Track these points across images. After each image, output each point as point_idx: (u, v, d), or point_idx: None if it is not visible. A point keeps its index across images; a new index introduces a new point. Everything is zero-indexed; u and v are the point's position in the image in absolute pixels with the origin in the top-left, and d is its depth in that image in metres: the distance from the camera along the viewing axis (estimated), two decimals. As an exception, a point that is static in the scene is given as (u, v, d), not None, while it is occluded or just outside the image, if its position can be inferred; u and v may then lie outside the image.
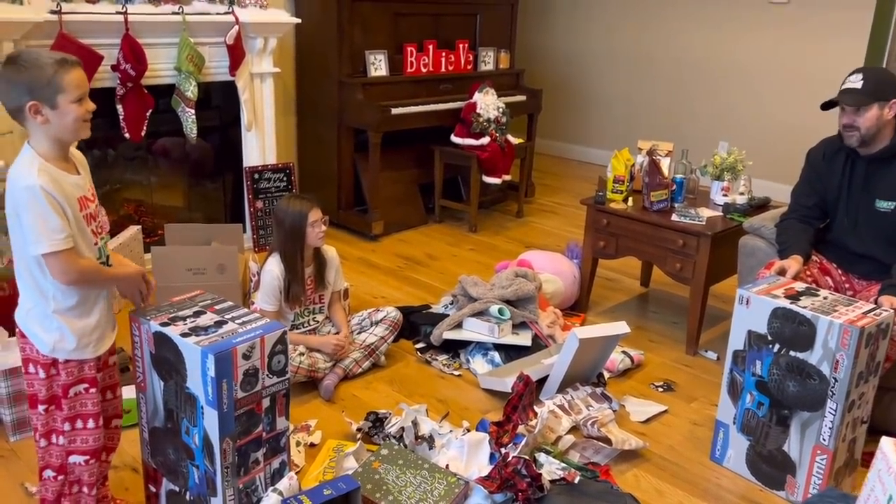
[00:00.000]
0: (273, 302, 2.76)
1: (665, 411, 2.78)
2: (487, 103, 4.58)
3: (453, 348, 3.09)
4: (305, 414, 2.63)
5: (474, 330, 3.04)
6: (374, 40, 4.48)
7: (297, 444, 2.43)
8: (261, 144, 4.18)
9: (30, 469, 2.27)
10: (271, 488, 2.00)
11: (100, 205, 1.89)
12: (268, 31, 3.99)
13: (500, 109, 4.63)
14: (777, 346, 2.22)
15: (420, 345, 3.15)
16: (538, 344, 3.04)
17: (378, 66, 4.50)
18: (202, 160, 4.21)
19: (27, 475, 2.24)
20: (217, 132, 4.16)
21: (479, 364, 2.98)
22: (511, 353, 2.98)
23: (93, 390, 1.88)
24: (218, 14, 3.76)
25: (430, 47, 4.73)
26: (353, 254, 4.27)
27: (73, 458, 1.89)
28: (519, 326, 3.10)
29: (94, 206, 1.84)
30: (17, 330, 1.84)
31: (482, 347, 3.03)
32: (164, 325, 1.90)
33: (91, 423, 1.90)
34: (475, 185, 4.64)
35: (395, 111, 4.39)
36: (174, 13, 3.58)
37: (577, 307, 3.58)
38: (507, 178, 4.77)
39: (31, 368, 1.84)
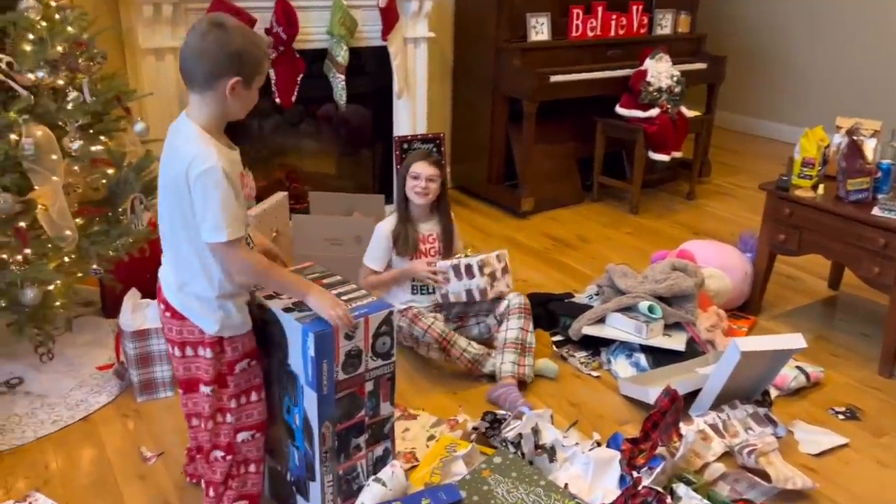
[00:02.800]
0: (376, 258, 2.69)
1: (845, 445, 2.31)
2: (660, 71, 4.12)
3: (594, 345, 2.78)
4: (421, 400, 2.46)
5: (619, 327, 2.71)
6: (536, 2, 4.15)
7: (431, 437, 2.25)
8: (411, 113, 4.03)
9: (150, 433, 2.28)
10: (373, 477, 1.88)
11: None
12: (424, -8, 3.81)
13: (675, 78, 4.15)
14: None
15: (557, 337, 2.87)
16: (694, 349, 2.66)
17: (539, 29, 4.17)
18: (355, 128, 4.14)
19: (146, 439, 2.26)
20: (368, 99, 4.07)
21: (621, 366, 2.65)
22: (660, 357, 2.62)
23: (255, 362, 1.82)
24: (373, -25, 3.63)
25: (600, 9, 4.32)
26: (498, 231, 4.03)
27: (241, 436, 1.82)
28: (672, 327, 2.72)
29: (248, 185, 1.77)
30: (164, 308, 1.74)
31: (627, 348, 2.70)
32: (268, 297, 1.81)
33: (254, 396, 1.84)
34: (640, 161, 4.22)
35: (553, 79, 4.06)
36: (329, -25, 3.50)
37: (746, 308, 3.11)
38: (678, 154, 4.29)
39: (192, 351, 1.74)
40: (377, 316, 1.78)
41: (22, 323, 2.20)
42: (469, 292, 2.58)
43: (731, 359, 2.24)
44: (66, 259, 2.39)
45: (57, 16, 2.35)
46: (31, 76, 2.13)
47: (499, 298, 2.62)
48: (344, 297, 1.81)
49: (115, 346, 2.51)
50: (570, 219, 4.25)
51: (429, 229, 2.70)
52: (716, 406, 2.35)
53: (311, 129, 4.09)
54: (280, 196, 3.50)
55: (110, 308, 2.85)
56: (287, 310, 1.75)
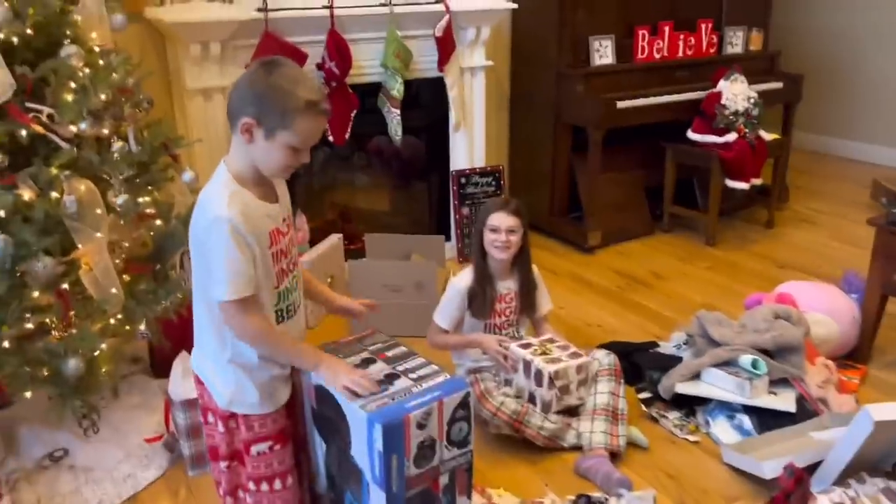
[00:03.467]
0: (447, 317, 2.42)
1: None
2: (735, 93, 3.83)
3: (688, 404, 2.49)
4: (499, 476, 2.19)
5: (718, 385, 2.41)
6: (599, 24, 3.91)
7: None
8: (469, 145, 3.81)
9: (203, 512, 2.08)
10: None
11: (295, 225, 1.61)
12: (481, 19, 3.60)
13: (752, 100, 3.86)
14: None
15: (644, 394, 2.58)
16: (804, 409, 2.34)
17: (603, 53, 3.93)
18: (408, 163, 3.93)
19: (199, 519, 2.05)
20: (423, 133, 3.86)
21: (722, 429, 2.35)
22: (767, 418, 2.32)
23: (278, 447, 1.60)
24: (428, 3, 3.43)
25: (666, 29, 4.06)
26: (563, 267, 3.76)
27: None
28: (778, 383, 2.41)
29: (287, 241, 1.55)
30: (193, 374, 1.62)
31: (727, 408, 2.40)
32: None
33: (278, 484, 1.62)
34: (715, 189, 3.92)
35: (620, 105, 3.79)
36: (382, 5, 3.31)
37: (854, 356, 2.78)
38: (758, 182, 3.97)
39: (210, 418, 1.61)
40: (453, 399, 1.54)
41: (65, 396, 2.02)
42: (532, 396, 2.28)
43: (863, 429, 1.93)
44: (112, 321, 2.22)
45: (101, 62, 2.19)
46: (73, 128, 1.97)
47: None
48: (413, 375, 1.60)
49: (164, 414, 2.31)
50: (640, 252, 3.96)
51: (507, 287, 2.43)
52: (841, 480, 2.04)
53: (362, 162, 3.91)
54: (334, 239, 3.30)
55: (159, 367, 2.67)
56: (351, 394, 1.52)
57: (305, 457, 1.74)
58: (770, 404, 2.33)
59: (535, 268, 2.48)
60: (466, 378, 2.37)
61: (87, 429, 2.24)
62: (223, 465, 1.62)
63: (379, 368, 1.61)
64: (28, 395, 2.02)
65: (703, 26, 4.19)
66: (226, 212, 1.41)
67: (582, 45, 3.88)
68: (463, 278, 2.40)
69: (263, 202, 1.49)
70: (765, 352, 2.44)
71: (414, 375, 1.59)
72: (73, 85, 2.00)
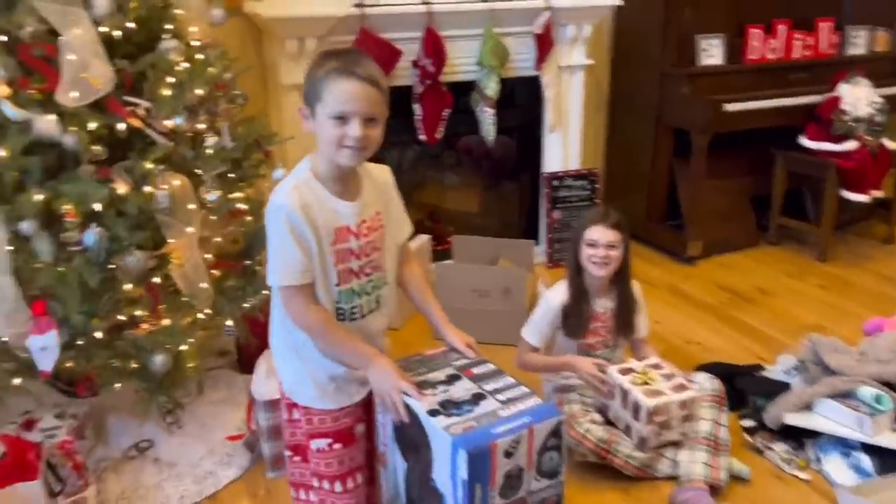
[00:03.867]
0: (539, 333, 2.27)
1: None
2: (857, 97, 3.54)
3: (796, 436, 2.28)
4: (585, 498, 2.06)
5: (833, 417, 2.20)
6: (708, 22, 3.69)
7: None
8: (563, 147, 3.67)
9: (280, 516, 2.04)
10: None
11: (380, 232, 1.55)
12: (583, 16, 3.45)
13: (875, 105, 3.55)
14: None
15: (747, 422, 2.38)
16: (933, 451, 2.11)
17: (711, 52, 3.70)
18: (499, 163, 3.83)
19: (277, 522, 2.01)
20: (516, 133, 3.75)
21: (836, 468, 2.14)
22: (889, 459, 2.09)
23: (339, 446, 1.55)
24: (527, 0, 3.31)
25: (782, 28, 3.79)
26: (661, 279, 3.57)
27: None
28: (902, 421, 2.18)
29: (362, 243, 1.49)
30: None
31: (842, 444, 2.18)
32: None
33: (339, 486, 1.57)
34: (830, 200, 3.63)
35: (728, 107, 3.56)
36: (481, 0, 3.21)
37: None
38: (879, 194, 3.65)
39: (282, 403, 1.63)
40: (544, 426, 1.43)
41: (152, 390, 2.02)
42: (628, 429, 2.11)
43: None
44: (201, 315, 2.21)
45: (199, 56, 2.19)
46: (168, 123, 1.96)
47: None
48: (501, 396, 1.49)
49: (246, 412, 2.30)
50: (745, 265, 3.71)
51: (604, 306, 2.26)
52: (978, 537, 1.81)
53: (452, 161, 3.83)
54: (423, 241, 3.24)
55: (246, 362, 2.67)
56: (434, 412, 1.43)
57: (376, 472, 1.69)
58: (894, 444, 2.10)
59: (636, 285, 2.31)
60: (553, 397, 2.24)
61: (171, 424, 2.25)
62: (288, 453, 1.64)
63: (465, 387, 1.51)
64: (117, 386, 2.04)
65: (823, 25, 3.90)
66: (283, 199, 1.41)
67: (688, 43, 3.67)
68: (557, 293, 2.26)
69: (337, 198, 1.46)
70: (888, 385, 2.21)
71: (502, 397, 1.48)
72: (170, 80, 1.99)
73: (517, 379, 1.56)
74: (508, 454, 1.40)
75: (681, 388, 2.07)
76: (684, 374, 2.21)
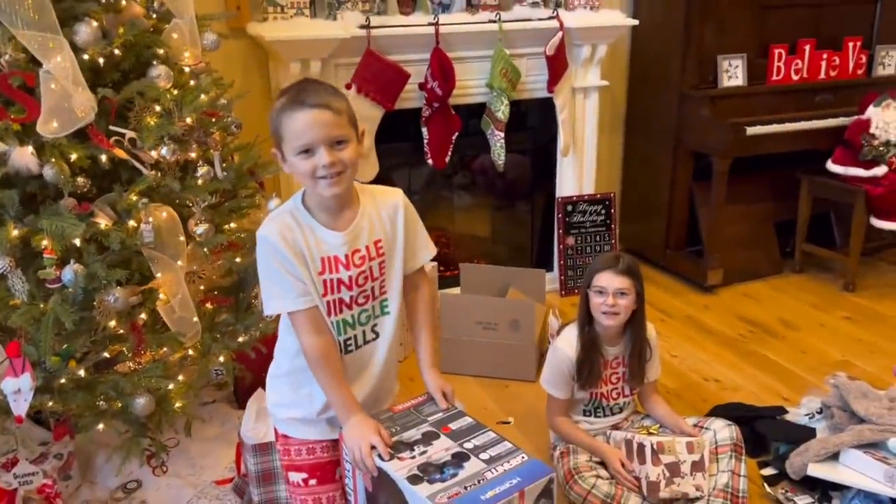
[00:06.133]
0: (560, 387, 2.12)
1: None
2: (888, 121, 3.37)
3: (821, 486, 2.12)
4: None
5: (860, 470, 2.04)
6: (730, 42, 3.55)
7: None
8: (577, 171, 3.55)
9: (266, 570, 1.93)
10: None
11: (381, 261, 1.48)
12: (598, 36, 3.34)
13: (907, 129, 3.39)
14: None
15: (767, 471, 2.24)
16: (971, 511, 1.94)
17: (733, 73, 3.56)
18: (512, 183, 3.71)
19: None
20: (529, 155, 3.64)
21: (864, 525, 1.99)
22: (922, 518, 1.94)
23: (314, 482, 1.52)
24: (540, 20, 3.20)
25: (807, 48, 3.64)
26: (678, 309, 3.42)
27: None
28: (937, 476, 2.02)
29: (354, 273, 1.42)
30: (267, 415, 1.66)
31: (872, 498, 2.02)
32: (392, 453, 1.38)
33: None
34: (858, 228, 3.46)
35: (750, 131, 3.42)
36: (491, 21, 3.11)
37: None
38: (910, 222, 3.48)
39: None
40: (534, 487, 1.32)
41: (133, 433, 1.93)
42: (639, 480, 1.97)
43: None
44: (191, 352, 2.12)
45: (192, 82, 2.11)
46: (153, 153, 1.88)
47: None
48: (483, 455, 1.37)
49: (235, 456, 2.20)
50: (767, 295, 3.55)
51: (616, 353, 2.12)
52: None
53: (465, 181, 3.72)
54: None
55: (242, 397, 2.57)
56: (414, 478, 1.31)
57: None
58: (928, 502, 1.94)
59: (651, 329, 2.15)
60: (559, 446, 2.11)
61: (154, 468, 2.15)
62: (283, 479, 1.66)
63: (444, 446, 1.39)
64: (100, 427, 1.95)
65: (851, 45, 3.74)
66: (264, 230, 1.40)
67: (709, 64, 3.53)
68: (569, 343, 2.10)
69: (324, 228, 1.42)
70: (922, 436, 2.05)
71: (485, 455, 1.37)
72: (157, 108, 1.91)
73: (499, 434, 1.44)
74: (499, 518, 1.28)
75: (692, 448, 1.95)
76: (699, 420, 2.07)
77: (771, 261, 3.80)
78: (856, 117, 3.51)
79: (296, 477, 1.54)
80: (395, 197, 1.51)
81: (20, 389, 1.70)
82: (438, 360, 1.71)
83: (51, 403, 1.84)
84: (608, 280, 1.98)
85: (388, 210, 1.49)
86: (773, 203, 3.85)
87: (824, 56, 3.69)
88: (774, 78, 3.63)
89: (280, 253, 1.37)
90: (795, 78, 3.67)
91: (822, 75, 3.72)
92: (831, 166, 3.54)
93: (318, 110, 1.31)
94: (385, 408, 1.53)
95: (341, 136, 1.34)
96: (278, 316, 1.79)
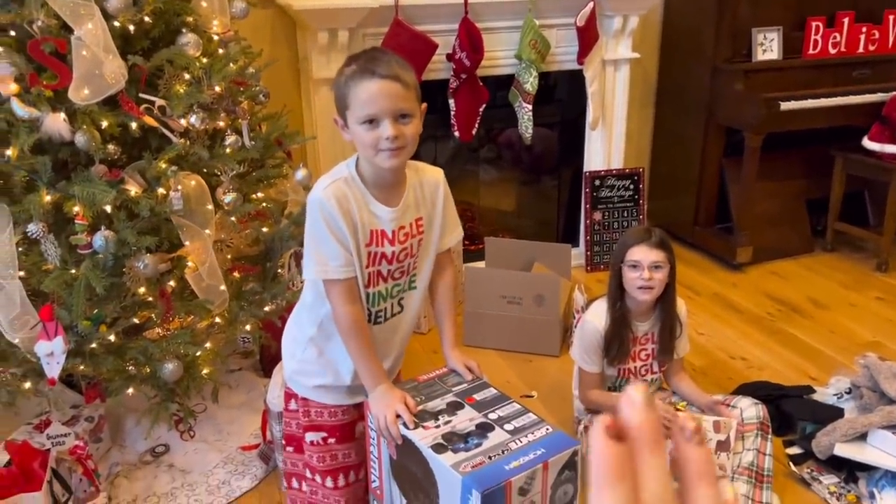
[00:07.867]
0: (593, 362, 2.09)
1: None
2: (928, 97, 3.28)
3: (848, 467, 2.11)
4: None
5: (889, 451, 2.02)
6: (765, 14, 3.46)
7: None
8: (606, 145, 3.51)
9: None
10: None
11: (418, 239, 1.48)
12: (630, 7, 3.28)
13: (947, 105, 3.29)
14: None
15: (793, 450, 2.22)
16: None
17: (768, 46, 3.48)
18: (539, 157, 3.68)
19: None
20: (557, 128, 3.59)
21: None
22: (951, 501, 1.91)
23: (333, 441, 1.55)
24: (571, -11, 3.15)
25: (846, 21, 3.54)
26: (706, 286, 3.39)
27: None
28: (968, 458, 1.99)
29: (397, 249, 1.43)
30: None
31: (899, 480, 2.00)
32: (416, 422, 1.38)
33: (329, 482, 1.57)
34: (893, 206, 3.39)
35: (784, 106, 3.34)
36: (521, -10, 3.06)
37: None
38: (948, 201, 3.40)
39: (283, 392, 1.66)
40: (559, 459, 1.30)
41: (162, 398, 1.96)
42: None
43: None
44: (218, 319, 2.14)
45: (220, 50, 2.10)
46: (182, 122, 1.88)
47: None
48: (508, 426, 1.37)
49: (261, 423, 2.23)
50: (797, 274, 3.50)
51: (646, 329, 2.08)
52: None
53: (491, 154, 3.69)
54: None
55: (268, 365, 2.60)
56: (438, 447, 1.31)
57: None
58: (958, 485, 1.92)
59: (681, 304, 2.10)
60: (583, 419, 2.11)
61: (182, 433, 2.19)
62: (289, 447, 1.64)
63: (468, 416, 1.39)
64: (129, 391, 1.98)
65: (892, 18, 3.62)
66: (320, 193, 1.38)
67: (743, 37, 3.45)
68: (598, 316, 2.07)
69: (376, 201, 1.41)
70: (954, 418, 2.01)
71: (509, 426, 1.36)
72: (186, 76, 1.91)
73: (523, 405, 1.44)
74: (523, 491, 1.28)
75: (718, 427, 1.93)
76: (725, 398, 2.05)
77: (802, 239, 3.74)
78: (894, 93, 3.42)
79: (314, 436, 1.55)
80: (437, 175, 1.52)
81: (53, 352, 1.73)
82: (460, 338, 1.72)
83: (82, 367, 1.88)
84: (643, 254, 1.95)
85: (430, 188, 1.49)
86: (805, 180, 3.77)
87: (863, 29, 3.59)
88: (811, 52, 3.54)
89: (335, 220, 1.37)
90: (833, 52, 3.57)
91: (861, 49, 3.62)
92: (867, 143, 3.46)
93: (388, 81, 1.29)
94: (393, 378, 1.55)
95: (407, 110, 1.32)
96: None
